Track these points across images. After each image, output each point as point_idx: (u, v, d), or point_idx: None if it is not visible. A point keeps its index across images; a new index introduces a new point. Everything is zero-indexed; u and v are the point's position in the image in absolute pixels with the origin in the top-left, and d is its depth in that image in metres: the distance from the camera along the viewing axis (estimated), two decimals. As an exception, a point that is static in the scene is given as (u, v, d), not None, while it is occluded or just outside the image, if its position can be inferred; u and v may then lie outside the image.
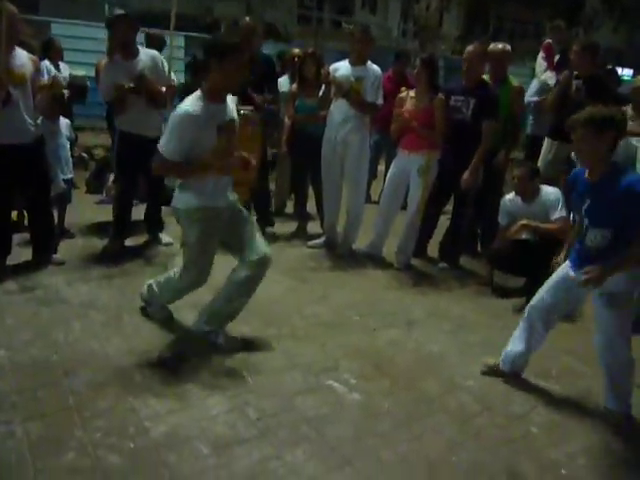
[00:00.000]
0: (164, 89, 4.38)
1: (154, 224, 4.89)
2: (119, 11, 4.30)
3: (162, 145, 2.97)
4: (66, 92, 5.61)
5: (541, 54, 6.60)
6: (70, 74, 6.67)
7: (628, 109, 4.97)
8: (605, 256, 2.62)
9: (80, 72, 6.89)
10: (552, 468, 2.48)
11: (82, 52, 9.48)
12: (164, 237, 4.86)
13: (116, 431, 2.46)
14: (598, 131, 2.54)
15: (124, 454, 2.33)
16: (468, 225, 4.89)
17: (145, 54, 4.36)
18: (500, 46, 4.84)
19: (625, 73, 17.92)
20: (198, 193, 3.07)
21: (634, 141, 4.50)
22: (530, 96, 6.03)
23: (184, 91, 5.66)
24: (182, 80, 10.64)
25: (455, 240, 4.84)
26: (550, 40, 6.58)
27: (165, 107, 4.46)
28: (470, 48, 4.56)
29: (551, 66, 6.38)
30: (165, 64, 4.48)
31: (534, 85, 6.35)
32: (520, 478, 2.41)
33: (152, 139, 4.40)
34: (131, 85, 4.20)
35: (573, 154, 4.75)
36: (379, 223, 4.89)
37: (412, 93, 4.61)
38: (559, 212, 4.01)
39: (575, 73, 4.98)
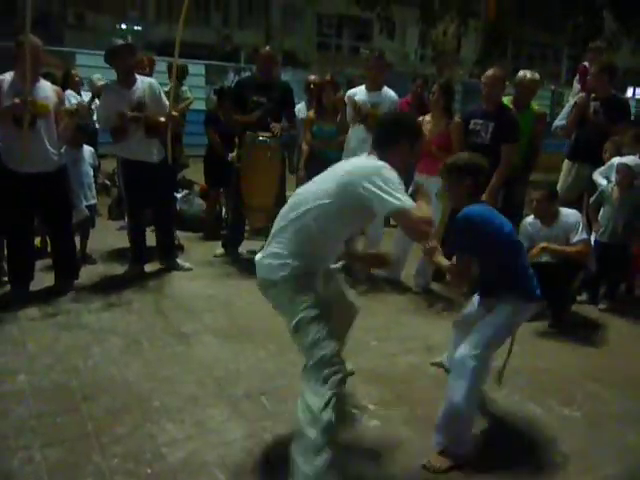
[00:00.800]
0: (163, 119, 4.38)
1: (168, 251, 4.84)
2: (119, 41, 4.36)
3: None
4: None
5: (577, 78, 6.45)
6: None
7: None
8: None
9: None
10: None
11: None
12: (182, 262, 4.87)
13: (133, 457, 2.45)
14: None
15: (141, 480, 2.32)
16: None
17: (142, 82, 4.39)
18: (529, 75, 4.82)
19: (645, 94, 17.81)
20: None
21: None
22: (561, 119, 5.83)
23: (210, 117, 5.80)
24: (202, 107, 10.89)
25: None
26: (587, 63, 6.37)
27: (167, 135, 4.39)
28: (490, 72, 4.58)
29: (584, 88, 6.28)
30: (162, 92, 4.52)
31: (566, 108, 6.19)
32: (544, 508, 2.34)
33: (154, 164, 4.47)
34: (135, 114, 4.23)
35: (595, 174, 4.74)
36: (397, 247, 4.87)
37: (427, 117, 4.64)
38: (579, 235, 3.96)
39: (593, 95, 4.97)
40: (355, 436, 2.71)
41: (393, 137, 2.50)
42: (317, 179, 2.51)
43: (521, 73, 4.90)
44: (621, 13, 14.76)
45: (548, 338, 3.94)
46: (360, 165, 2.43)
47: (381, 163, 2.34)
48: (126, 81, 4.31)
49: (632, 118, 10.80)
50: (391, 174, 2.27)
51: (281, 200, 5.13)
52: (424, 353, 3.61)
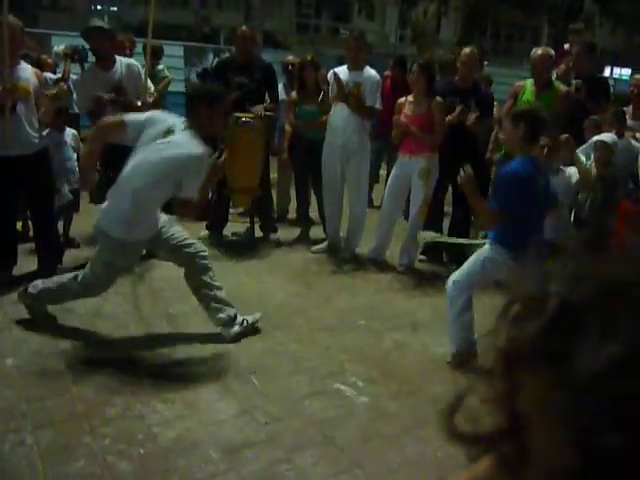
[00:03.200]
0: (139, 104, 4.30)
1: None
2: (97, 22, 4.28)
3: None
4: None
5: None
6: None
7: (629, 109, 5.02)
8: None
9: None
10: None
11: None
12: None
13: (125, 437, 2.47)
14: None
15: (133, 460, 2.34)
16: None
17: (121, 63, 4.33)
18: (540, 51, 4.75)
19: (623, 73, 18.00)
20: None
21: (635, 143, 4.53)
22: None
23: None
24: (180, 89, 10.75)
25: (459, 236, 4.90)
26: (567, 45, 6.35)
27: None
28: (467, 50, 4.72)
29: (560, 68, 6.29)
30: (142, 72, 4.47)
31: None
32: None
33: (131, 149, 4.41)
34: (112, 97, 4.16)
35: (576, 152, 4.80)
36: (381, 228, 4.90)
37: (410, 98, 4.65)
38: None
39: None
40: (344, 412, 2.76)
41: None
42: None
43: (532, 51, 4.83)
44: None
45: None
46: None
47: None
48: (104, 64, 4.24)
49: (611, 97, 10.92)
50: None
51: (265, 182, 5.14)
52: (410, 331, 3.66)
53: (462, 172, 3.15)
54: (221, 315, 3.32)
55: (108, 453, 2.37)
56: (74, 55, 4.67)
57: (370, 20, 20.41)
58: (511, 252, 2.94)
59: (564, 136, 4.20)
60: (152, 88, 4.55)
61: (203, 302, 3.34)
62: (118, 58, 4.34)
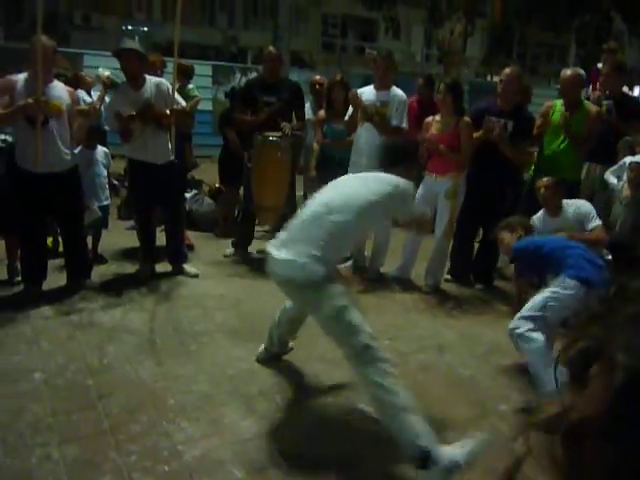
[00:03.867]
0: (168, 112, 4.36)
1: (176, 254, 4.78)
2: (128, 43, 4.36)
3: None
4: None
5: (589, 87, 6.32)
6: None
7: None
8: None
9: None
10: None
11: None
12: (189, 268, 4.75)
13: (150, 454, 2.47)
14: None
15: (158, 477, 2.34)
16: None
17: (151, 83, 4.39)
18: (569, 72, 4.67)
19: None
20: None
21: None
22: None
23: (223, 116, 5.83)
24: (208, 107, 10.88)
25: (489, 260, 4.85)
26: (600, 64, 6.22)
27: (169, 129, 4.44)
28: (507, 70, 4.62)
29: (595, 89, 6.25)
30: (170, 90, 4.52)
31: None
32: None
33: (162, 165, 4.48)
34: (131, 113, 4.21)
35: (606, 173, 4.74)
36: (407, 247, 4.88)
37: (437, 117, 4.64)
38: (594, 222, 3.97)
39: (606, 93, 4.97)
40: (370, 435, 2.72)
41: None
42: (346, 183, 2.88)
43: (562, 72, 4.78)
44: (628, 13, 14.77)
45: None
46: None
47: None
48: (134, 83, 4.33)
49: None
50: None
51: (291, 200, 5.17)
52: (436, 352, 3.62)
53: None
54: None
55: (134, 470, 2.38)
56: (112, 86, 4.77)
57: (396, 39, 20.50)
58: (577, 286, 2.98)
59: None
60: (183, 103, 4.63)
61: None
62: (148, 78, 4.42)
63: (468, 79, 15.25)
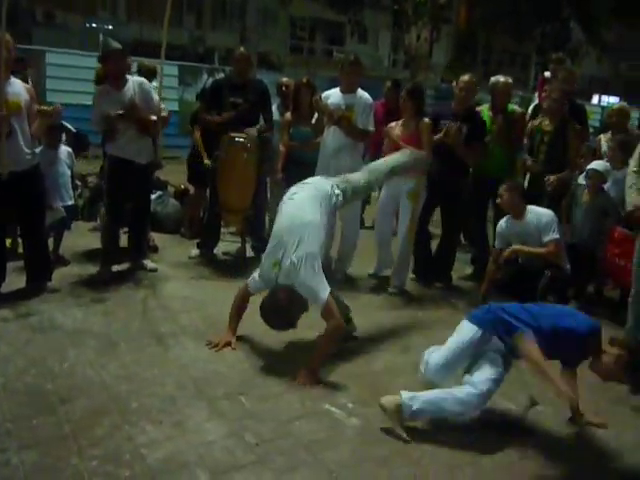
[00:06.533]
0: (154, 118, 4.40)
1: (137, 250, 4.78)
2: (115, 44, 4.33)
3: None
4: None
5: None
6: None
7: (606, 136, 5.15)
8: None
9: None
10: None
11: (77, 81, 9.61)
12: (149, 263, 4.77)
13: (112, 459, 2.43)
14: None
15: (121, 481, 2.31)
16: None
17: (134, 82, 4.39)
18: (502, 79, 5.07)
19: (611, 101, 18.31)
20: None
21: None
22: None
23: (194, 117, 5.79)
24: (175, 108, 10.78)
25: (447, 258, 5.00)
26: (548, 73, 6.49)
27: (157, 135, 4.52)
28: (465, 77, 4.83)
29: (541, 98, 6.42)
30: (154, 91, 4.53)
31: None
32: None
33: (143, 166, 4.47)
34: (119, 112, 4.22)
35: (580, 178, 4.87)
36: (379, 249, 4.98)
37: (400, 122, 4.74)
38: (551, 235, 4.08)
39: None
40: (334, 433, 2.74)
41: None
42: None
43: (493, 79, 5.13)
44: (587, 23, 15.22)
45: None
46: None
47: None
48: (117, 83, 4.29)
49: (597, 124, 11.12)
50: None
51: (258, 202, 5.15)
52: (401, 352, 3.66)
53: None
54: None
55: (95, 474, 2.33)
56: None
57: (363, 43, 20.66)
58: None
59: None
60: (163, 104, 4.64)
61: None
62: (130, 77, 4.41)
63: (434, 84, 15.45)
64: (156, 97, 4.54)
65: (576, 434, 2.92)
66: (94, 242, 5.17)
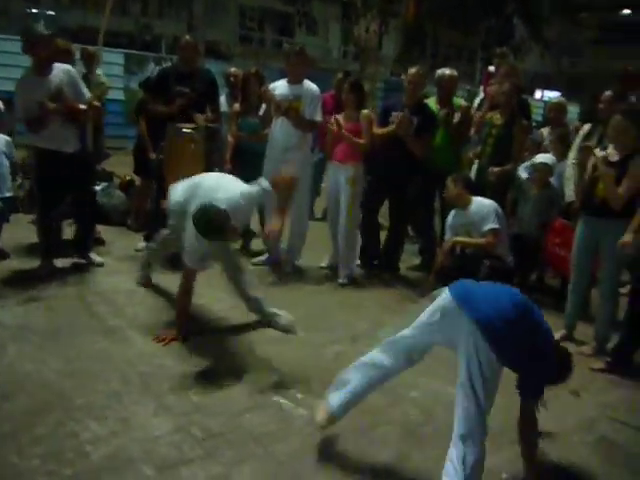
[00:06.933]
0: (83, 107, 4.25)
1: (83, 244, 4.65)
2: (39, 27, 4.16)
3: None
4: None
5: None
6: None
7: (546, 130, 5.32)
8: None
9: None
10: (493, 473, 2.54)
11: (14, 67, 9.21)
12: (94, 257, 4.66)
13: (55, 457, 2.37)
14: None
15: (64, 480, 2.25)
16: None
17: (59, 69, 4.22)
18: (448, 72, 5.13)
19: (553, 95, 18.92)
20: None
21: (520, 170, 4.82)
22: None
23: (139, 106, 5.65)
24: (120, 97, 10.50)
25: (395, 249, 5.10)
26: (492, 67, 6.64)
27: (85, 125, 4.38)
28: (414, 70, 4.87)
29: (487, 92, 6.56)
30: (79, 78, 4.38)
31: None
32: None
33: (70, 154, 4.31)
34: (55, 105, 4.06)
35: (520, 168, 5.01)
36: (332, 240, 5.02)
37: (343, 114, 4.82)
38: (489, 224, 4.20)
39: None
40: (284, 425, 2.74)
41: None
42: None
43: (439, 71, 5.19)
44: (530, 20, 15.65)
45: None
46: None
47: None
48: (41, 69, 4.11)
49: (540, 118, 11.47)
50: None
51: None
52: (350, 342, 3.69)
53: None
54: None
55: (37, 474, 2.27)
56: None
57: (312, 35, 20.61)
58: None
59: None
60: (88, 94, 4.42)
61: None
62: (56, 64, 4.22)
63: (383, 77, 15.56)
64: (83, 86, 4.37)
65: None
66: (34, 235, 4.99)
